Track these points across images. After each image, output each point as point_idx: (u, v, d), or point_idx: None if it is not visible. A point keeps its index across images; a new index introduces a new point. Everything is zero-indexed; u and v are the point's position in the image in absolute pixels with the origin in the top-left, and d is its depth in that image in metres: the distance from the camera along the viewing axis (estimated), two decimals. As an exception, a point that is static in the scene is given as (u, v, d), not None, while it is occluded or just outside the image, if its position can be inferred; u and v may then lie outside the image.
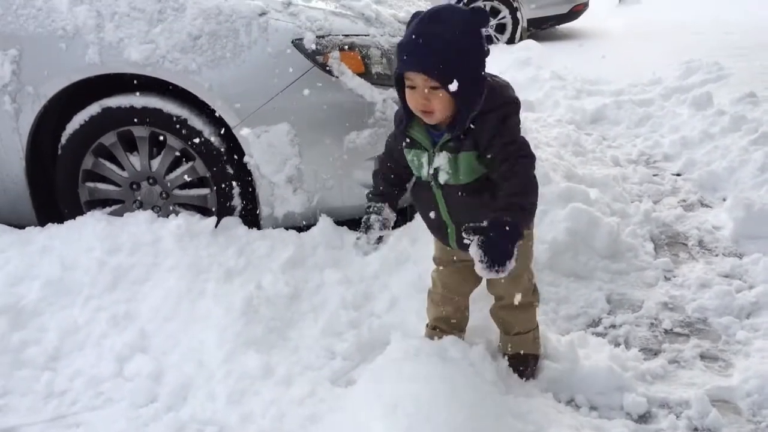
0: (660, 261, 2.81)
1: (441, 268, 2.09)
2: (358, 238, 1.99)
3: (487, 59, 1.72)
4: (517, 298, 1.99)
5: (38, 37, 2.66)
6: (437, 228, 1.94)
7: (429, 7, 1.72)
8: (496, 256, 1.58)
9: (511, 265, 1.60)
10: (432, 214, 1.90)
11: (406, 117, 1.77)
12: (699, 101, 4.82)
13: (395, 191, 2.02)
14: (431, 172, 1.79)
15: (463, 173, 1.76)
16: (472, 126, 1.71)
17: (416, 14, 1.71)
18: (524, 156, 1.71)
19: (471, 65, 1.66)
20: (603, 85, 6.03)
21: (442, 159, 1.77)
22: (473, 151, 1.73)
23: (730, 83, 5.48)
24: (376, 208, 1.99)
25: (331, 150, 2.69)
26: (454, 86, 1.62)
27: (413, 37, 1.64)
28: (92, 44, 2.62)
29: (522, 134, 1.76)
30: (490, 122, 1.70)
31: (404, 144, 1.84)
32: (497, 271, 1.59)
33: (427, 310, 2.16)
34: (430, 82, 1.64)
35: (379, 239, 1.99)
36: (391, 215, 2.00)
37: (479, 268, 1.60)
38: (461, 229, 1.72)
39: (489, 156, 1.72)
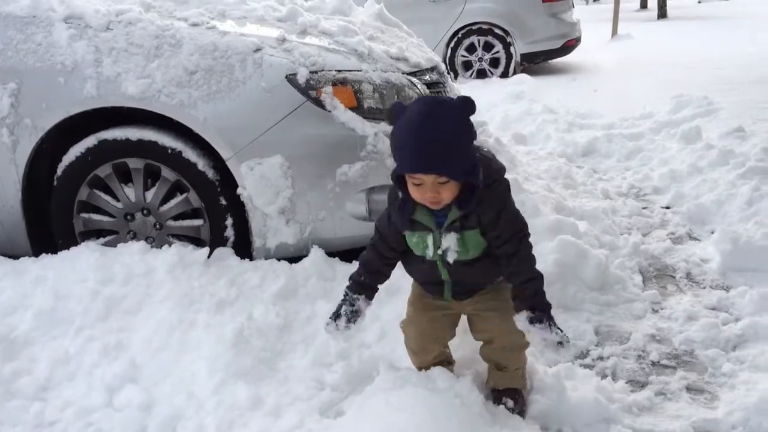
0: (648, 293, 2.83)
1: (413, 315, 2.08)
2: (327, 324, 1.99)
3: (475, 141, 1.77)
4: (514, 340, 2.01)
5: (37, 71, 2.72)
6: (432, 285, 1.99)
7: (418, 105, 1.70)
8: (558, 329, 1.83)
9: None
10: (431, 280, 1.97)
11: (409, 204, 1.81)
12: (688, 135, 4.87)
13: (377, 285, 2.03)
14: (440, 252, 1.84)
15: (471, 250, 1.84)
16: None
17: (398, 106, 1.72)
18: (527, 232, 1.85)
19: (470, 153, 1.73)
20: (594, 118, 6.09)
21: (450, 239, 1.82)
22: (477, 228, 1.81)
23: (719, 117, 5.54)
24: (351, 299, 1.99)
25: (323, 182, 2.74)
26: (462, 176, 1.71)
27: (415, 140, 1.66)
28: (90, 78, 2.68)
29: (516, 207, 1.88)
30: (491, 200, 1.78)
31: (407, 229, 1.87)
32: (568, 342, 1.85)
33: (411, 358, 2.15)
34: (439, 178, 1.69)
35: (348, 324, 1.98)
36: (365, 308, 2.00)
37: (563, 350, 1.84)
38: (459, 286, 1.91)
39: (494, 233, 1.81)
